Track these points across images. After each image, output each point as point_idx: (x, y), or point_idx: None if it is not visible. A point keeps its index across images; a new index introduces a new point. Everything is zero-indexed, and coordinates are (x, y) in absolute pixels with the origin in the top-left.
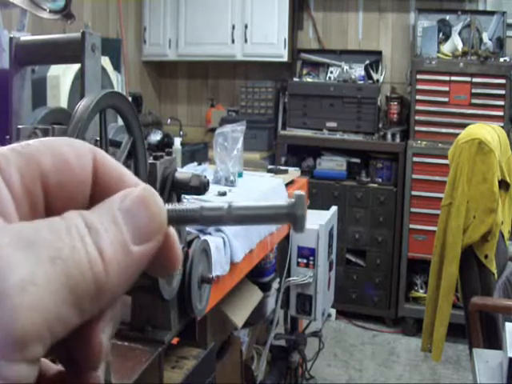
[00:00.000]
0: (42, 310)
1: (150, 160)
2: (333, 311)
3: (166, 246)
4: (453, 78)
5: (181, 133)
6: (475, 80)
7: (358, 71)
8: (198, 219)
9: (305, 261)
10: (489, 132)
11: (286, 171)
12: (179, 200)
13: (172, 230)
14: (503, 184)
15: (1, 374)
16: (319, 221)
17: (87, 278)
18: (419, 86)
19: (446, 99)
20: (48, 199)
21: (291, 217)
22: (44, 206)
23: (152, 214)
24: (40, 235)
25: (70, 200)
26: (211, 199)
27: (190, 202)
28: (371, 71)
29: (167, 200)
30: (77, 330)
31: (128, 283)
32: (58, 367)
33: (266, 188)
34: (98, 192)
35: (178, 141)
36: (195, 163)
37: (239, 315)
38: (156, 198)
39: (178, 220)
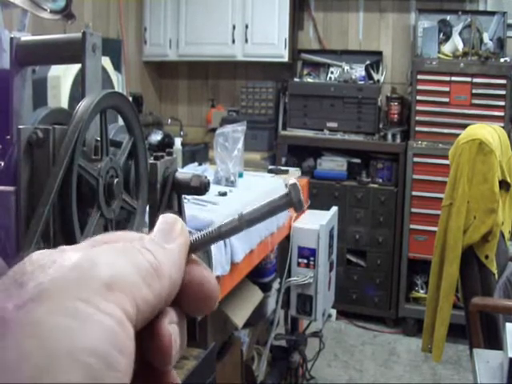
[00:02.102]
0: (128, 288)
1: (151, 160)
2: (333, 311)
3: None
4: (453, 79)
5: (181, 133)
6: (476, 80)
7: (358, 71)
8: (219, 236)
9: (305, 261)
10: (489, 132)
11: (286, 171)
12: (180, 200)
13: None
14: (504, 184)
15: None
16: (320, 221)
17: (145, 262)
18: (420, 87)
19: (447, 99)
20: None
21: (290, 204)
22: None
23: (172, 225)
24: (117, 246)
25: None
26: (212, 199)
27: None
28: (372, 71)
29: (168, 201)
30: (148, 325)
31: (175, 272)
32: None
33: (267, 188)
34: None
35: (178, 141)
36: (196, 163)
37: (240, 315)
38: (179, 220)
39: (203, 244)
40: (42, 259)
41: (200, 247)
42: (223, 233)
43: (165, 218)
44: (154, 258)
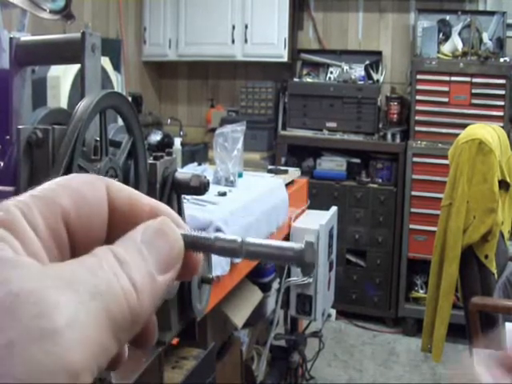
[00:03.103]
0: (88, 344)
1: (150, 160)
2: (333, 311)
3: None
4: (453, 79)
5: (181, 133)
6: (475, 80)
7: (358, 71)
8: (211, 248)
9: None
10: (489, 132)
11: (286, 171)
12: (179, 200)
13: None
14: (503, 184)
15: None
16: (319, 221)
17: (124, 309)
18: (419, 87)
19: (446, 99)
20: (71, 235)
21: (299, 262)
22: (69, 243)
23: (171, 244)
24: (77, 274)
25: (91, 232)
26: (211, 199)
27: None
28: (371, 71)
29: (167, 201)
30: None
31: (154, 308)
32: None
33: (266, 188)
34: (114, 219)
35: (178, 141)
36: (195, 163)
37: (239, 315)
38: (173, 228)
39: (193, 245)
40: None
41: (187, 248)
42: (217, 247)
43: (162, 230)
44: (138, 301)
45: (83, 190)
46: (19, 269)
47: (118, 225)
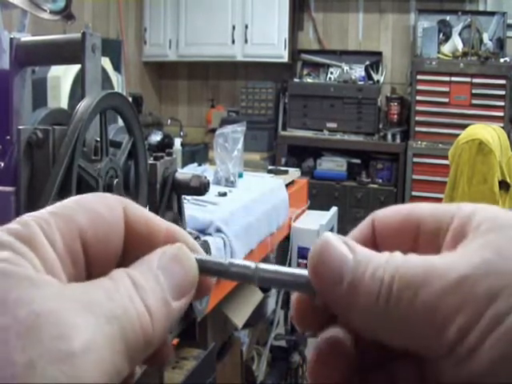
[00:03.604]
0: (104, 366)
1: (151, 161)
2: None
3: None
4: (453, 79)
5: (181, 133)
6: (475, 80)
7: (358, 72)
8: (225, 273)
9: (305, 261)
10: (489, 132)
11: (286, 172)
12: (180, 201)
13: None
14: (503, 185)
15: None
16: (319, 221)
17: (138, 333)
18: (419, 87)
19: (447, 100)
20: (87, 253)
21: (311, 290)
22: (84, 261)
23: (187, 271)
24: (94, 297)
25: (107, 251)
26: (211, 200)
27: (219, 257)
28: (371, 72)
29: (167, 201)
30: None
31: (167, 333)
32: None
33: (267, 189)
34: (130, 240)
35: (178, 141)
36: (195, 164)
37: (239, 316)
38: (189, 255)
39: (207, 270)
40: None
41: (201, 272)
42: (231, 272)
43: (178, 256)
44: (152, 325)
45: (101, 209)
46: (40, 288)
47: (133, 246)
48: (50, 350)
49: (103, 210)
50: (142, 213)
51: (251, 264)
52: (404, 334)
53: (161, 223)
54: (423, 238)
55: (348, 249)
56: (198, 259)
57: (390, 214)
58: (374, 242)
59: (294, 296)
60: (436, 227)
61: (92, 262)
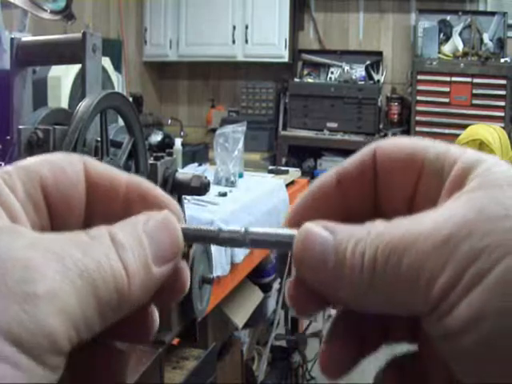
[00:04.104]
0: (70, 314)
1: (151, 161)
2: (333, 311)
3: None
4: (453, 79)
5: (181, 133)
6: (476, 81)
7: (358, 72)
8: (214, 240)
9: None
10: (490, 133)
11: (286, 172)
12: (180, 201)
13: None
14: None
15: (29, 366)
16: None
17: (111, 291)
18: (420, 87)
19: (447, 100)
20: (49, 203)
21: None
22: (47, 211)
23: (173, 240)
24: (68, 250)
25: (69, 203)
26: (212, 200)
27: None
28: (372, 72)
29: None
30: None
31: (146, 298)
32: None
33: (267, 189)
34: (92, 193)
35: (178, 141)
36: (196, 164)
37: (240, 316)
38: (176, 224)
39: (195, 239)
40: None
41: (189, 240)
42: (220, 239)
43: (166, 223)
44: (128, 285)
45: (61, 161)
46: (9, 235)
47: (96, 199)
48: (15, 291)
49: (63, 162)
50: (103, 166)
51: (240, 228)
52: (391, 300)
53: (121, 175)
54: (425, 179)
55: (328, 232)
56: (185, 228)
57: (394, 149)
58: (375, 172)
59: (290, 279)
60: (439, 170)
61: (55, 213)
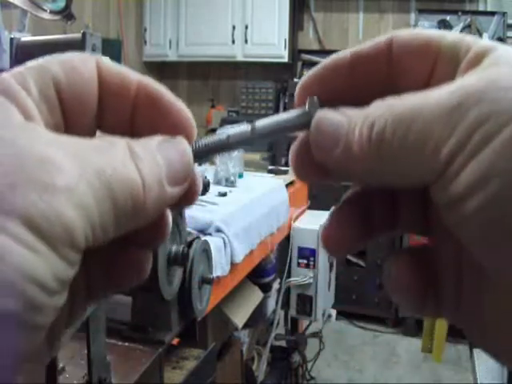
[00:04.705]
0: (87, 210)
1: None
2: (333, 312)
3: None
4: None
5: None
6: None
7: None
8: (226, 147)
9: (305, 261)
10: None
11: (286, 172)
12: None
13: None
14: None
15: (48, 255)
16: (320, 221)
17: (127, 197)
18: None
19: None
20: (62, 102)
21: (309, 124)
22: (60, 110)
23: (184, 161)
24: (85, 151)
25: (82, 102)
26: (211, 200)
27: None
28: None
29: None
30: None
31: (156, 215)
32: None
33: (267, 189)
34: (104, 92)
35: None
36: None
37: (240, 316)
38: (187, 147)
39: (210, 150)
40: None
41: (202, 156)
42: (232, 143)
43: (180, 148)
44: (143, 195)
45: (74, 60)
46: (27, 133)
47: (107, 98)
48: (34, 180)
49: (76, 60)
50: (115, 65)
51: (247, 127)
52: (400, 171)
53: (133, 74)
54: (441, 66)
55: (341, 114)
56: (201, 145)
57: (411, 36)
58: (389, 57)
59: (293, 145)
60: (455, 56)
61: (68, 111)
